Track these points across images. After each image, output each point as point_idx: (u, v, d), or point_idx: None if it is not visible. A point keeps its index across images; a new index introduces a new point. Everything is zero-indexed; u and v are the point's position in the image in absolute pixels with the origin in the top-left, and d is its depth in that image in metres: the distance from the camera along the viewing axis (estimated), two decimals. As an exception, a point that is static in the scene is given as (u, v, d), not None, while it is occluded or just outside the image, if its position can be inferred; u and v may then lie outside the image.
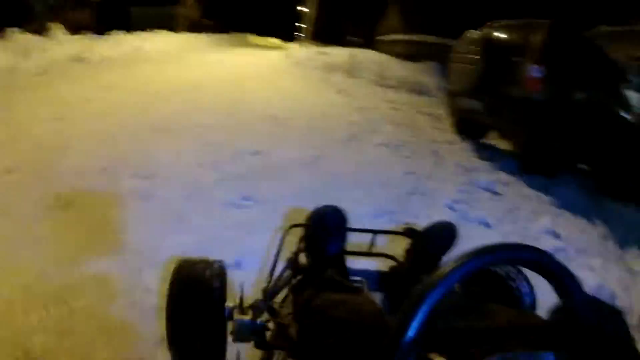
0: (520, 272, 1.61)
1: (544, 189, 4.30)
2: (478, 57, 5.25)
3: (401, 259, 1.70)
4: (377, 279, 1.67)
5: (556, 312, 0.79)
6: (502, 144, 6.45)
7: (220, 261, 1.53)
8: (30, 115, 4.57)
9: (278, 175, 3.55)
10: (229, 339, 1.43)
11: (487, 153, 5.31)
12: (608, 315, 0.81)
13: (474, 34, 5.47)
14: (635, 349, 0.80)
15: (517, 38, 5.20)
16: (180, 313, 1.37)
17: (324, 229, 1.63)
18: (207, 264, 1.49)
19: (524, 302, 1.54)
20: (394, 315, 0.76)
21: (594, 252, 3.04)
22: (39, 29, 10.89)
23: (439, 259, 1.61)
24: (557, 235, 3.21)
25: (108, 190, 2.93)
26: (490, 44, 5.29)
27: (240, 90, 7.15)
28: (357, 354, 1.03)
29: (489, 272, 1.61)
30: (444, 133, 6.10)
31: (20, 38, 7.75)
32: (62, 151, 3.57)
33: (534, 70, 4.66)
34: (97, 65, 8.90)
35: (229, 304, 1.44)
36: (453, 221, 1.61)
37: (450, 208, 3.36)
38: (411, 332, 0.71)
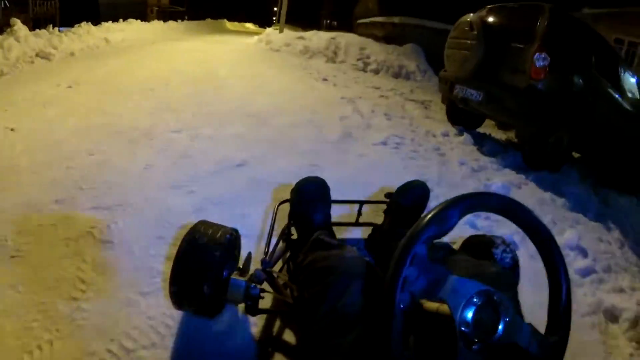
0: (504, 241, 1.69)
1: (554, 189, 3.92)
2: (476, 43, 4.70)
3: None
4: (364, 246, 1.77)
5: None
6: (499, 134, 5.99)
7: (234, 229, 1.58)
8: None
9: (271, 194, 2.91)
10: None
11: (488, 147, 4.82)
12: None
13: (471, 17, 4.91)
14: None
15: (518, 23, 4.68)
16: (186, 261, 1.44)
17: (308, 201, 1.66)
18: (222, 227, 1.54)
19: (505, 264, 1.60)
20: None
21: (618, 267, 2.84)
22: (1, 28, 9.89)
23: (414, 213, 1.66)
24: (583, 252, 2.89)
25: (61, 233, 2.28)
26: (489, 29, 4.74)
27: (216, 85, 6.38)
28: (345, 297, 1.07)
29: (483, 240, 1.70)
30: (439, 124, 5.58)
31: (-23, 38, 6.88)
32: (10, 176, 2.89)
33: (538, 58, 4.16)
34: (61, 61, 8.07)
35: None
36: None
37: (473, 226, 2.81)
38: (407, 265, 0.82)
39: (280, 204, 1.87)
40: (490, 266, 1.10)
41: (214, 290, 1.42)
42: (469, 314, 0.83)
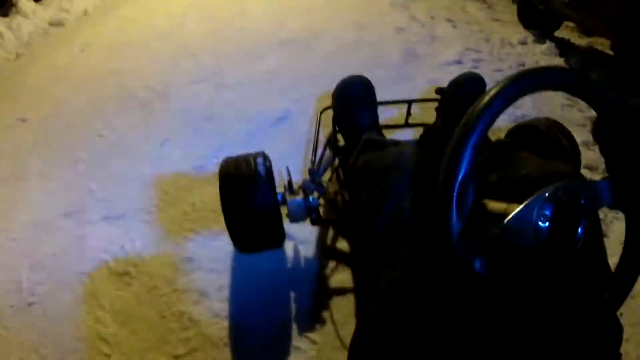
0: (564, 129, 1.55)
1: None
2: None
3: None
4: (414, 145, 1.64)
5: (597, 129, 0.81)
6: (578, 39, 4.89)
7: (262, 152, 1.46)
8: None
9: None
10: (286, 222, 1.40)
11: (575, 58, 3.91)
12: None
13: None
14: None
15: None
16: (235, 208, 1.32)
17: (352, 103, 1.52)
18: (249, 157, 1.43)
19: (569, 156, 1.49)
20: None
21: None
22: (6, 10, 9.16)
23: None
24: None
25: (74, 264, 1.76)
26: None
27: (238, 11, 4.99)
28: (408, 198, 0.96)
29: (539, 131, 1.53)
30: (512, 28, 4.44)
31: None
32: (20, 184, 2.41)
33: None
34: (75, 23, 7.35)
35: (280, 189, 1.42)
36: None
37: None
38: (466, 163, 0.66)
39: (322, 111, 1.75)
40: (561, 164, 0.96)
41: (277, 221, 1.36)
42: (547, 211, 0.65)
